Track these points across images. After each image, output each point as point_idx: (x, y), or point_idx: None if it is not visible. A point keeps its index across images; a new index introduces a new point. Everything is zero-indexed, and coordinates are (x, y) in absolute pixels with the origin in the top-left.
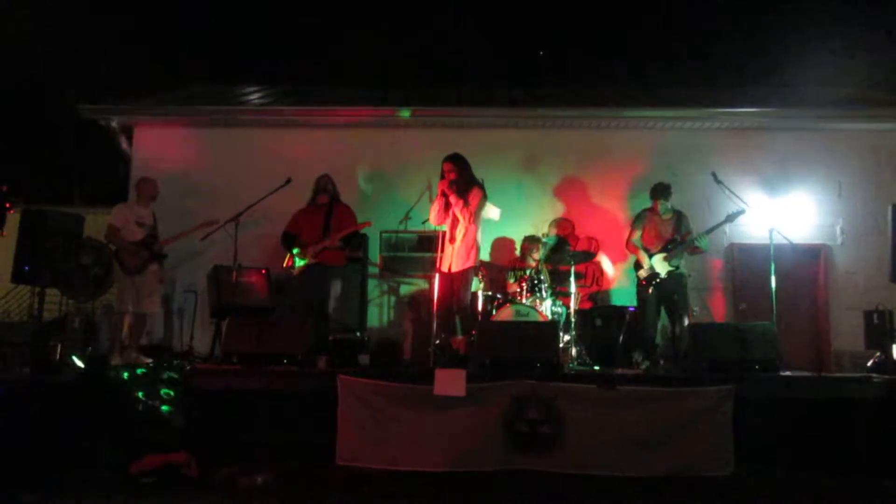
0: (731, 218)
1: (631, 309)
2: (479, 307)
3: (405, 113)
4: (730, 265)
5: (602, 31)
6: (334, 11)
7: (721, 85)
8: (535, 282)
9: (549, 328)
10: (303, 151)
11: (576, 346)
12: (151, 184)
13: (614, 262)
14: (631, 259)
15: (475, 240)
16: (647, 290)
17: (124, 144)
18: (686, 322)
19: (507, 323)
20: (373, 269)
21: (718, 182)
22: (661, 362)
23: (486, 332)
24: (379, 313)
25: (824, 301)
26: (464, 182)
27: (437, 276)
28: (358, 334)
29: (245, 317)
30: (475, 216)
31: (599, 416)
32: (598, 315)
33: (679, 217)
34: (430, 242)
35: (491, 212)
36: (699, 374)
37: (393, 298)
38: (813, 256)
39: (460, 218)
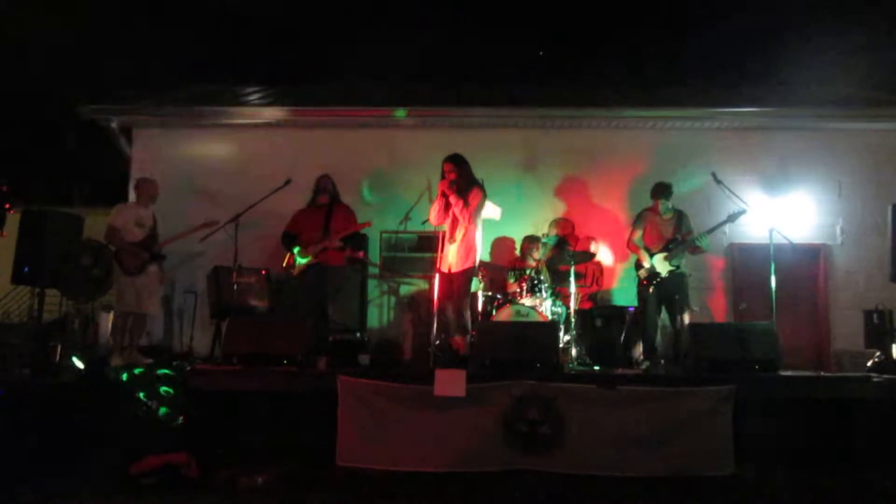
0: (732, 218)
1: (631, 309)
2: (479, 307)
3: (401, 113)
4: (730, 265)
5: (602, 30)
6: (334, 11)
7: (721, 84)
8: (535, 282)
9: (549, 328)
10: (303, 151)
11: (576, 346)
12: (151, 184)
13: (614, 261)
14: (632, 258)
15: (475, 240)
16: (648, 290)
17: (124, 145)
18: (686, 322)
19: (507, 323)
20: (373, 269)
21: (718, 182)
22: (662, 362)
23: (486, 332)
24: (379, 313)
25: (824, 301)
26: (464, 182)
27: (436, 276)
28: (358, 335)
29: (245, 317)
30: (475, 216)
31: (599, 416)
32: (599, 315)
33: (680, 216)
34: (429, 243)
35: (492, 211)
36: (699, 374)
37: (393, 298)
38: (813, 256)
39: (460, 218)
